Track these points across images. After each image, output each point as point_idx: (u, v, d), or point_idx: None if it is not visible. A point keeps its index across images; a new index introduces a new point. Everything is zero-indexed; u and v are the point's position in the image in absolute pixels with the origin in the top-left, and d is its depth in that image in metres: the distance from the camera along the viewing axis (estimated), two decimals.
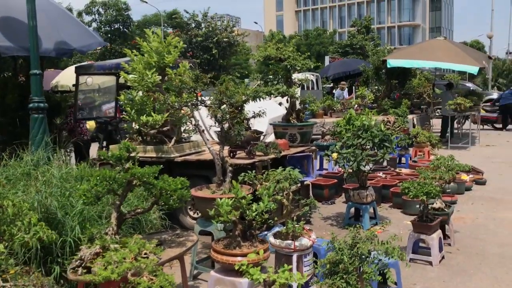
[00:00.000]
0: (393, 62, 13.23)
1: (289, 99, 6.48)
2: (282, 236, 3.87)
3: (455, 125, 15.20)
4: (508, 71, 43.92)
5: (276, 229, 4.31)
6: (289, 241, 3.79)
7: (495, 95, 23.55)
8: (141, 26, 38.86)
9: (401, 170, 8.66)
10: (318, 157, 8.32)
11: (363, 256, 3.20)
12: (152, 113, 5.34)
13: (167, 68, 5.25)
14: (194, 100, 4.74)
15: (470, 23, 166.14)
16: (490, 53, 30.53)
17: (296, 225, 3.85)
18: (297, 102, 6.88)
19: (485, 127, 17.26)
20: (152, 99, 5.46)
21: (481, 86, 33.34)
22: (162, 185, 3.50)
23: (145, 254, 3.18)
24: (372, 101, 12.70)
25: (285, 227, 3.86)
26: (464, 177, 7.79)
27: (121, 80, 8.43)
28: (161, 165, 3.66)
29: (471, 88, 21.41)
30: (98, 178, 3.34)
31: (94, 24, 36.27)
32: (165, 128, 5.50)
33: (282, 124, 6.56)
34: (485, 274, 4.47)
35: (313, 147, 6.69)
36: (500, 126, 17.32)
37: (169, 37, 5.29)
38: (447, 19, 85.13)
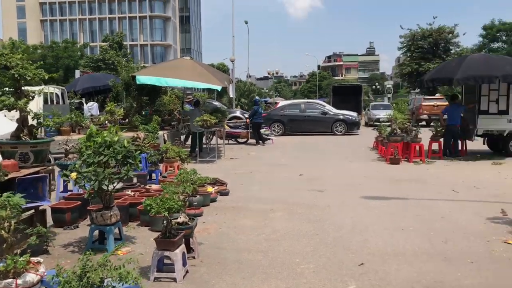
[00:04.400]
0: (142, 79, 13.27)
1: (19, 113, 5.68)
2: (1, 275, 3.25)
3: (204, 140, 16.10)
4: (248, 92, 49.61)
5: None
6: (10, 280, 3.20)
7: (238, 113, 26.09)
8: None
9: (151, 186, 8.57)
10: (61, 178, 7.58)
11: (95, 286, 2.88)
12: None
13: None
14: None
15: (218, 48, 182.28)
16: (233, 75, 33.79)
17: (18, 260, 3.27)
18: (30, 117, 6.10)
19: (230, 141, 18.82)
20: None
21: (226, 104, 36.64)
22: None
23: None
24: (122, 117, 12.43)
25: (2, 264, 3.24)
26: (210, 189, 8.17)
27: None
28: None
29: (217, 106, 23.15)
30: None
31: None
32: None
33: (10, 142, 5.69)
34: (225, 282, 4.63)
35: (51, 167, 6.01)
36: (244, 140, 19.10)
37: None
38: (196, 41, 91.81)
